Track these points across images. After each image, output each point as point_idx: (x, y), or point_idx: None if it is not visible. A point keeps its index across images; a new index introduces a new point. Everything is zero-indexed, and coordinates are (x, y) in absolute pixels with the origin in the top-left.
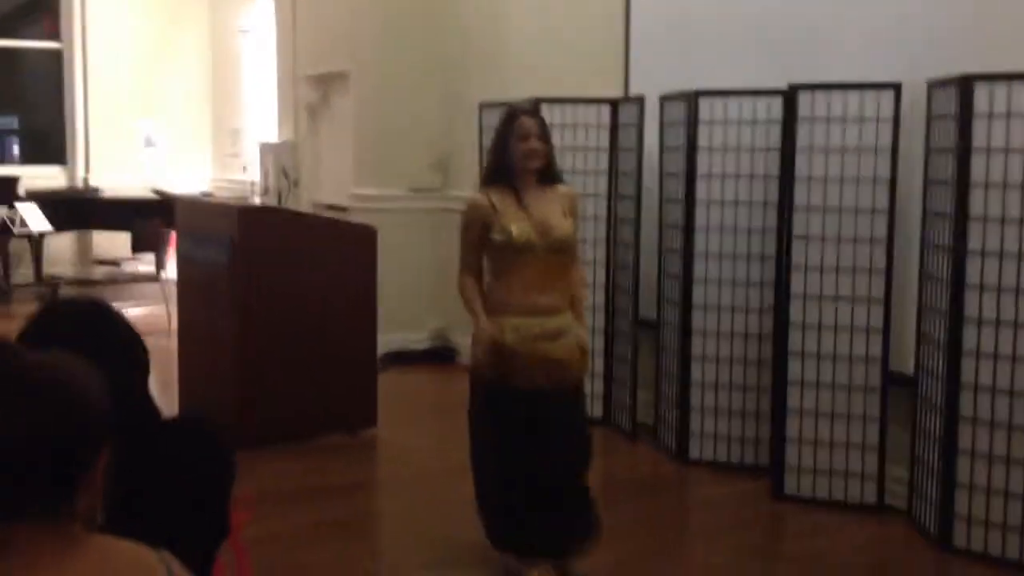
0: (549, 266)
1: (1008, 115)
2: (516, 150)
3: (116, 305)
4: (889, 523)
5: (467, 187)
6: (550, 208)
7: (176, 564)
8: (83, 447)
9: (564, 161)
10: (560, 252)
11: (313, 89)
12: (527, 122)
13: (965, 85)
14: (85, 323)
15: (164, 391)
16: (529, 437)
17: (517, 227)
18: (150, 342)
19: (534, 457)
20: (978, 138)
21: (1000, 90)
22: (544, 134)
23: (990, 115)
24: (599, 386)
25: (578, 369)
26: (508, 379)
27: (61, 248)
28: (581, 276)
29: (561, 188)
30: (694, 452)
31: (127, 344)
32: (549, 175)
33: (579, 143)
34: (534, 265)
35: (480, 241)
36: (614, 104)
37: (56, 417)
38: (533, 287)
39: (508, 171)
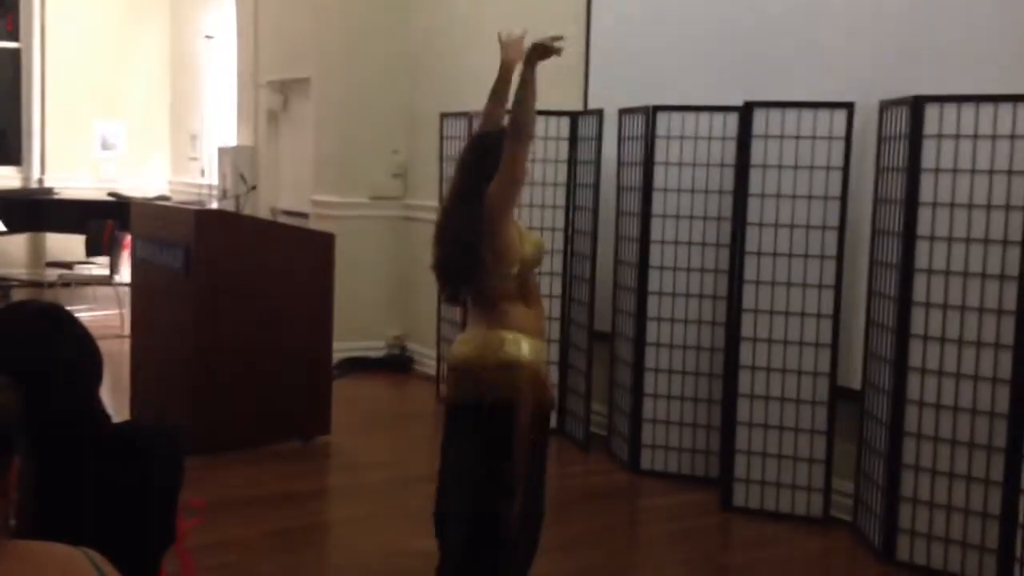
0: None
1: (957, 136)
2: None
3: (69, 308)
4: (835, 535)
5: (427, 196)
6: None
7: (101, 559)
8: None
9: (527, 165)
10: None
11: (274, 94)
12: None
13: (916, 106)
14: (40, 327)
15: (115, 394)
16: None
17: (538, 239)
18: (103, 345)
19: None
20: (927, 158)
21: (950, 111)
22: None
23: (939, 136)
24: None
25: None
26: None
27: (13, 249)
28: None
29: None
30: (646, 463)
31: (81, 350)
32: None
33: (538, 155)
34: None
35: None
36: (574, 117)
37: None
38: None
39: None
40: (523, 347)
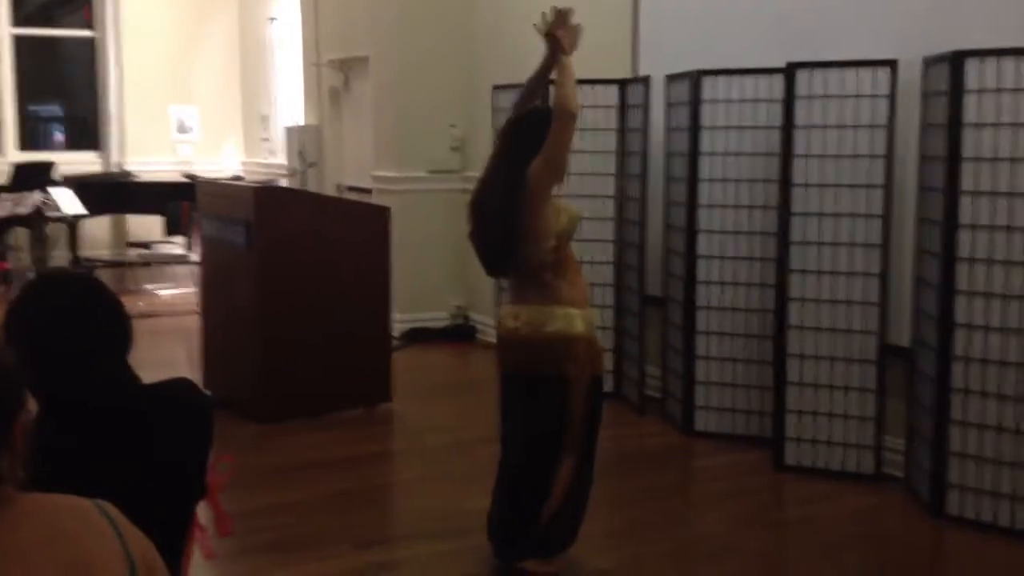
0: None
1: (998, 90)
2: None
3: (149, 286)
4: (886, 492)
5: (483, 168)
6: None
7: (114, 510)
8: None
9: (573, 141)
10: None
11: (335, 73)
12: None
13: (956, 61)
14: (72, 294)
15: (190, 367)
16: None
17: (574, 210)
18: (180, 321)
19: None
20: (968, 113)
21: (990, 65)
22: None
23: (980, 91)
24: (608, 361)
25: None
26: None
27: (97, 231)
28: None
29: None
30: (700, 424)
31: (109, 318)
32: None
33: (587, 123)
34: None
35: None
36: (622, 84)
37: None
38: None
39: None
40: (576, 323)
